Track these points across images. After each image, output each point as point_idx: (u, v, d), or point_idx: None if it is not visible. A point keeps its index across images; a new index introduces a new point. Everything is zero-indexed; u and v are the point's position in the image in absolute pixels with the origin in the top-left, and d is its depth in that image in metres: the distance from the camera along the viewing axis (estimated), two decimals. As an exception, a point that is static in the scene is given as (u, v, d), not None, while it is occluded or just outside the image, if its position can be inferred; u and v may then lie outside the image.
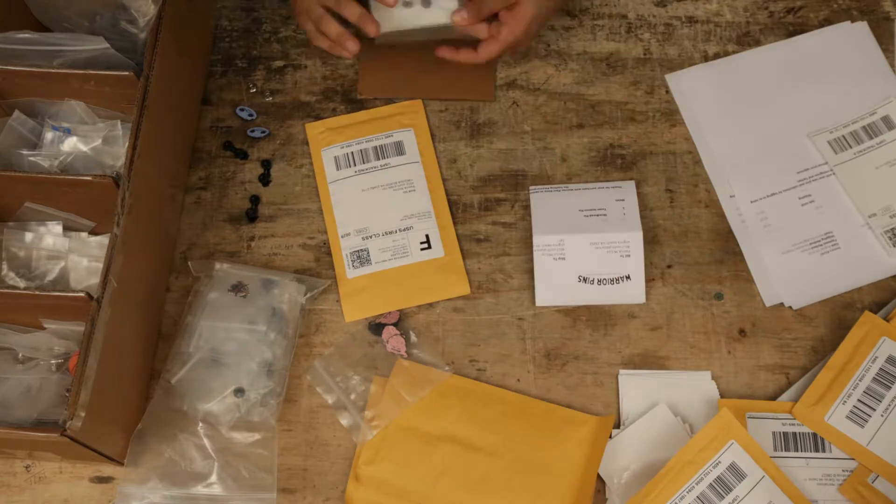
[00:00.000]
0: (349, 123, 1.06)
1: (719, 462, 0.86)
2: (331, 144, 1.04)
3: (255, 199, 1.03)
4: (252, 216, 1.02)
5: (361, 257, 0.97)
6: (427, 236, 0.99)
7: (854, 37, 1.09)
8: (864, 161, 1.01)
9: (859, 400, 0.89)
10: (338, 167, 1.02)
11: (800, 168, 1.03)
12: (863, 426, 0.88)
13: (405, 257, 0.99)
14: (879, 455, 0.88)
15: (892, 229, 0.97)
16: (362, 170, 1.02)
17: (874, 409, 0.89)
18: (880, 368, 0.90)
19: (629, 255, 0.96)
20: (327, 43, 0.99)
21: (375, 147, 1.03)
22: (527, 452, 0.91)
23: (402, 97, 1.08)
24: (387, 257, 0.99)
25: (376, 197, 1.01)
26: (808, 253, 0.99)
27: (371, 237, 0.99)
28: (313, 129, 1.05)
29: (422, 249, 0.99)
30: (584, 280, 0.96)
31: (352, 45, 0.97)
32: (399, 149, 1.03)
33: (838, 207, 1.01)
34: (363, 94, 1.08)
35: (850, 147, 1.01)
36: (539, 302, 0.97)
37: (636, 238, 0.96)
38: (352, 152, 1.03)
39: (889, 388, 0.89)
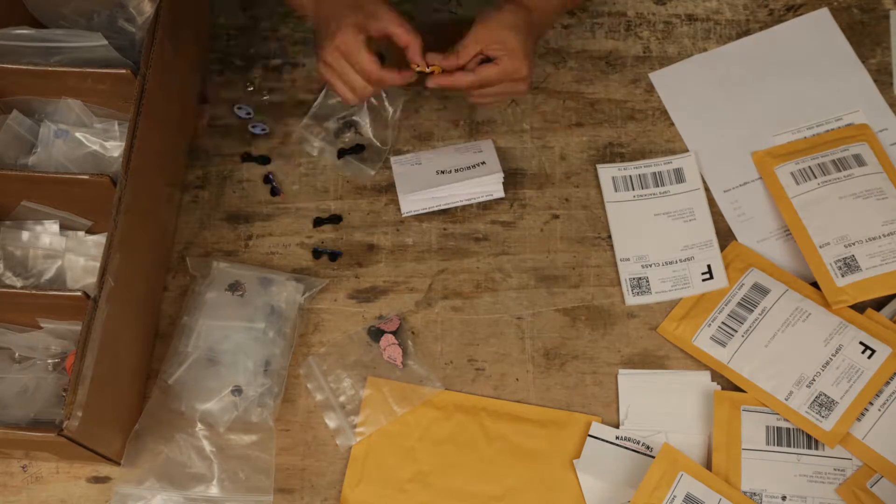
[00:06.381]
0: (792, 150, 1.02)
1: (674, 497, 0.86)
2: (784, 162, 1.01)
3: (268, 178, 1.04)
4: (276, 192, 1.03)
5: (850, 265, 0.94)
6: None
7: (820, 25, 1.09)
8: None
9: (724, 322, 0.94)
10: (797, 182, 0.99)
11: None
12: (724, 346, 0.93)
13: None
14: (738, 371, 0.92)
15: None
16: (825, 181, 0.98)
17: (735, 331, 0.94)
18: (744, 296, 0.95)
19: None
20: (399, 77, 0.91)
21: (834, 160, 1.00)
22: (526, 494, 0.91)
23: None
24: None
25: (852, 203, 0.97)
26: (782, 241, 0.99)
27: (854, 244, 0.95)
28: (756, 156, 1.03)
29: None
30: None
31: (409, 75, 0.92)
32: (859, 160, 0.99)
33: None
34: None
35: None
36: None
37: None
38: (809, 167, 1.00)
39: (751, 311, 0.94)
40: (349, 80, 0.90)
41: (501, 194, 1.01)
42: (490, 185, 1.01)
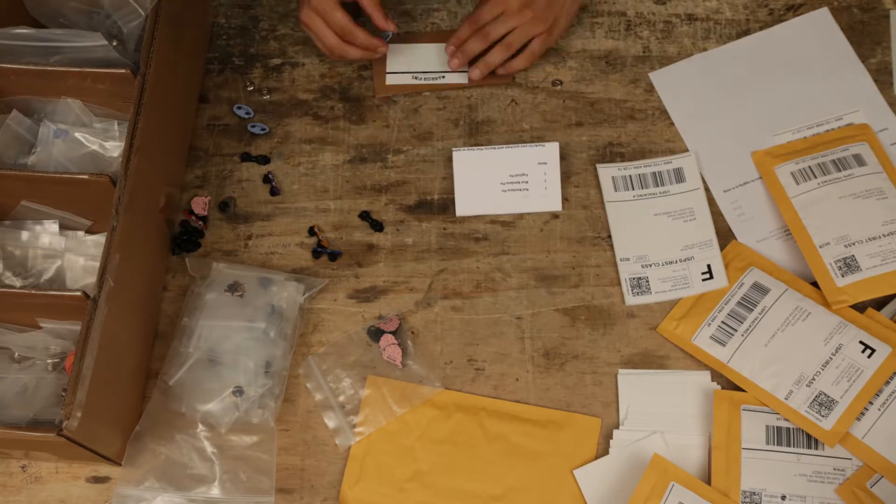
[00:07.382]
0: (792, 150, 1.02)
1: None
2: (784, 162, 1.01)
3: (268, 178, 1.03)
4: (275, 192, 1.03)
5: (850, 265, 0.94)
6: None
7: (820, 25, 1.09)
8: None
9: (723, 322, 0.94)
10: (797, 182, 0.99)
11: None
12: (724, 345, 0.93)
13: None
14: (738, 371, 0.92)
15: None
16: (826, 181, 0.98)
17: (735, 330, 0.94)
18: (744, 295, 0.95)
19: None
20: (359, 52, 1.01)
21: (834, 160, 0.99)
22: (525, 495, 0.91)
23: (422, 91, 1.07)
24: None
25: (852, 203, 0.97)
26: (782, 240, 0.99)
27: (854, 244, 0.95)
28: (756, 156, 1.03)
29: None
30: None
31: (383, 48, 1.03)
32: (860, 160, 0.99)
33: None
34: (380, 93, 1.07)
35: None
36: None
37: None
38: (809, 167, 0.99)
39: (751, 310, 0.94)
40: (324, 38, 1.00)
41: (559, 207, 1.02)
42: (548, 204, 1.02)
